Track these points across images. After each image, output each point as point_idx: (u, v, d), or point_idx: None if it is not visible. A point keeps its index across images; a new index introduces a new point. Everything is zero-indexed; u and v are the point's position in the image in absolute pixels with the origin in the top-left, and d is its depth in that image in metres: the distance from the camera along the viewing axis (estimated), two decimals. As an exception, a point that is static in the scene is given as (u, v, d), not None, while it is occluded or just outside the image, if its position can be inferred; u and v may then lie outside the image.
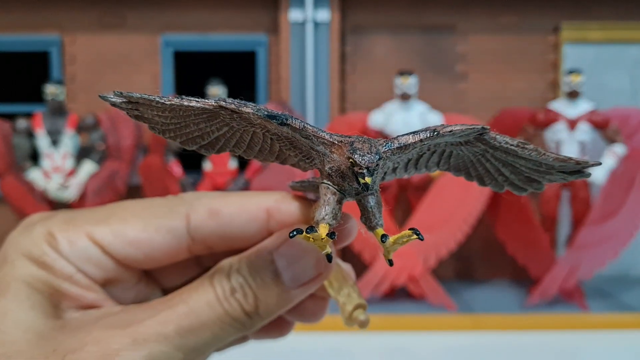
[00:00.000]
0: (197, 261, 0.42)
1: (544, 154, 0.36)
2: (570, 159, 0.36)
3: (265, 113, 0.34)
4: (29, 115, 1.92)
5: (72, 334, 0.33)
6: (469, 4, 2.11)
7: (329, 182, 0.36)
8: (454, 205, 1.82)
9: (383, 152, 0.34)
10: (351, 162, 0.34)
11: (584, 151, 1.89)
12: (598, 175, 1.83)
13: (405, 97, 1.87)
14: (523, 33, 2.12)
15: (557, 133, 1.88)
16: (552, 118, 1.88)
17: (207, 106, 0.34)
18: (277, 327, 0.44)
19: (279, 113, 0.34)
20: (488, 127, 0.36)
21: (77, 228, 0.37)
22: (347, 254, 2.04)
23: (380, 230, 0.36)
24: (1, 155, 1.87)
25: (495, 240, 2.02)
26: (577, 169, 0.36)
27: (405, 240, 0.35)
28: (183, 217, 0.38)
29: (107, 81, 2.10)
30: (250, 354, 1.66)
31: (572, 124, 1.87)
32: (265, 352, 1.71)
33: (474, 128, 0.36)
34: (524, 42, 2.13)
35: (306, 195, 0.43)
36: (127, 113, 0.36)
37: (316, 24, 2.05)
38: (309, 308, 0.44)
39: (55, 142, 1.88)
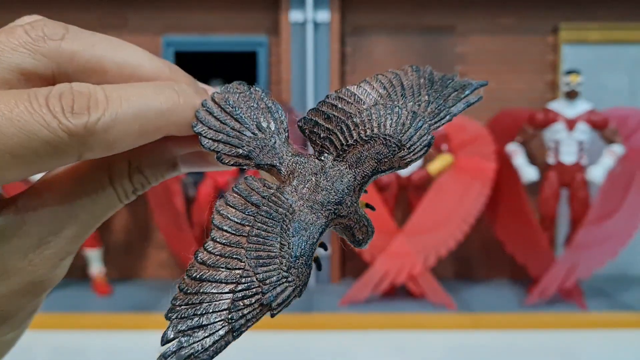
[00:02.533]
0: None
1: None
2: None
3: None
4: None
5: None
6: (469, 5, 2.12)
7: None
8: (453, 205, 1.83)
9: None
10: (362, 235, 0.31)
11: (583, 151, 1.90)
12: (597, 175, 1.84)
13: (405, 98, 1.87)
14: (522, 34, 2.13)
15: (556, 133, 1.89)
16: (551, 118, 1.89)
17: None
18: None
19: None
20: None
21: None
22: (347, 254, 2.05)
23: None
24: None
25: (494, 239, 2.03)
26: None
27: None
28: (74, 156, 0.28)
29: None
30: (251, 354, 1.67)
31: (571, 124, 1.88)
32: (265, 351, 1.72)
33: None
34: (523, 43, 2.14)
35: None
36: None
37: (316, 25, 2.06)
38: None
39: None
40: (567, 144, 1.89)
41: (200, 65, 2.14)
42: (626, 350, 1.67)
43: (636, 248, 2.03)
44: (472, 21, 2.14)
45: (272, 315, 0.25)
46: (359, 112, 0.32)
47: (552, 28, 2.13)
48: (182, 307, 0.26)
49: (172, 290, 0.27)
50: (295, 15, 2.05)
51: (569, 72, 1.90)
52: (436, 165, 1.88)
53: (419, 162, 1.99)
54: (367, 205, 0.32)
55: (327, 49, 2.06)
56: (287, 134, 0.32)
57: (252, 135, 0.31)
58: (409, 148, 0.30)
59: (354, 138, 0.31)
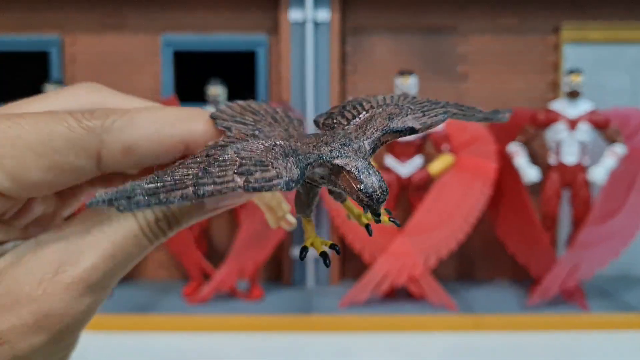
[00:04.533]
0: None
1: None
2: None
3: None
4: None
5: None
6: (470, 5, 2.12)
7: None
8: (454, 205, 1.82)
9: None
10: (370, 196, 0.28)
11: (585, 151, 1.89)
12: (599, 175, 1.83)
13: (405, 97, 1.87)
14: (523, 34, 2.12)
15: (558, 133, 1.88)
16: (552, 118, 1.88)
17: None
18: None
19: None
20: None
21: None
22: (347, 254, 2.04)
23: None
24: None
25: (495, 240, 2.02)
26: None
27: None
28: (93, 154, 0.31)
29: (107, 81, 2.06)
30: (250, 355, 1.66)
31: (573, 124, 1.87)
32: (264, 353, 1.71)
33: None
34: (524, 43, 2.13)
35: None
36: None
37: (316, 24, 2.05)
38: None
39: (55, 142, 1.88)
40: (568, 144, 1.88)
41: (199, 64, 2.13)
42: (628, 352, 1.66)
43: (638, 248, 2.02)
44: (473, 21, 2.13)
45: (246, 189, 0.24)
46: (371, 101, 0.33)
47: (553, 28, 2.12)
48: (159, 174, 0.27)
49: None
50: (295, 15, 2.04)
51: (571, 72, 1.89)
52: (437, 165, 1.87)
53: (419, 163, 1.98)
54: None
55: (327, 49, 2.05)
56: (302, 127, 0.33)
57: (269, 122, 0.32)
58: (425, 113, 0.31)
59: (366, 109, 0.32)
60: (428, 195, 1.85)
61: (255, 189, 0.24)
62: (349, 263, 2.11)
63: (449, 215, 1.82)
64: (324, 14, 2.04)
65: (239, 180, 0.24)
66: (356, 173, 0.28)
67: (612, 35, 2.10)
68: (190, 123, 0.33)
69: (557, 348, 1.68)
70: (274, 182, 0.24)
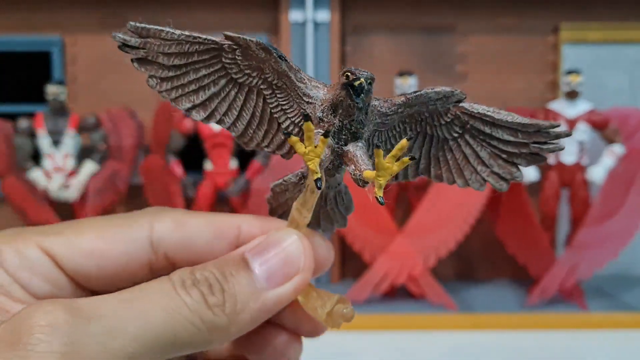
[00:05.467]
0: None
1: (518, 117, 0.39)
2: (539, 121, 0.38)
3: (266, 43, 0.37)
4: (30, 116, 1.93)
5: None
6: (469, 5, 2.12)
7: (319, 129, 0.36)
8: (454, 205, 1.83)
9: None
10: (346, 75, 0.35)
11: (583, 151, 1.90)
12: (597, 175, 1.84)
13: (405, 97, 1.87)
14: (522, 34, 2.13)
15: (557, 133, 1.88)
16: (551, 118, 1.89)
17: (214, 38, 0.36)
18: (269, 344, 0.40)
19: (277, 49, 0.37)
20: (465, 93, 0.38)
21: (27, 239, 0.33)
22: (348, 254, 2.04)
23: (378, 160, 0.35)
24: (2, 155, 1.88)
25: (495, 239, 2.02)
26: (546, 130, 0.38)
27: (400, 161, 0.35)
28: (146, 227, 0.34)
29: (108, 81, 2.10)
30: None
31: (571, 124, 1.87)
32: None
33: (453, 89, 0.38)
34: (524, 43, 2.13)
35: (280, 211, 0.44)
36: (133, 58, 0.39)
37: (316, 25, 2.05)
38: (304, 320, 0.40)
39: (56, 142, 1.89)
40: (567, 144, 1.88)
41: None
42: (627, 351, 1.66)
43: (637, 248, 2.02)
44: (473, 21, 2.13)
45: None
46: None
47: (552, 28, 2.12)
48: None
49: None
50: (295, 15, 2.04)
51: (570, 72, 1.89)
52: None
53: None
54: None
55: (328, 49, 2.06)
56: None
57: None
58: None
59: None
60: (427, 195, 1.85)
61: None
62: (349, 262, 2.12)
63: (449, 215, 1.82)
64: (324, 14, 2.04)
65: None
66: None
67: (612, 36, 2.10)
68: (242, 215, 0.38)
69: (556, 347, 1.68)
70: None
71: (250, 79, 0.38)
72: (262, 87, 0.38)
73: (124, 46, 0.38)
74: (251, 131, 0.39)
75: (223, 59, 0.38)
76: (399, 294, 1.91)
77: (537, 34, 2.13)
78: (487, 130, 0.39)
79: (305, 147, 0.34)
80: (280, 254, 0.34)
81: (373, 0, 2.12)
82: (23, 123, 1.90)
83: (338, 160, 0.37)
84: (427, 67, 2.13)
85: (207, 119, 0.39)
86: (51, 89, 1.88)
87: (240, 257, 0.34)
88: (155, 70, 0.38)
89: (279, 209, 0.45)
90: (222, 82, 0.38)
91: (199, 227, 0.36)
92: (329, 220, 0.44)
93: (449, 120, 0.39)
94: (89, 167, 1.90)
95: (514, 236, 1.96)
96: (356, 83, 0.34)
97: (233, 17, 2.14)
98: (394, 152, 0.34)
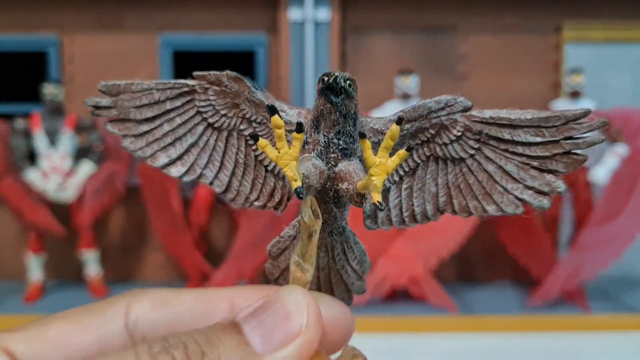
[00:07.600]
0: None
1: (536, 112, 0.32)
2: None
3: (237, 74, 0.34)
4: (26, 116, 1.91)
5: None
6: (470, 4, 2.10)
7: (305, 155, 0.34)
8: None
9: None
10: (322, 80, 0.32)
11: (586, 151, 1.88)
12: (600, 176, 1.82)
13: (406, 97, 1.86)
14: (524, 33, 2.11)
15: (559, 133, 1.87)
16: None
17: (183, 81, 0.34)
18: None
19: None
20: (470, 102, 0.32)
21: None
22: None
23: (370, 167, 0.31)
24: (-1, 156, 1.86)
25: (496, 241, 2.01)
26: (576, 120, 0.33)
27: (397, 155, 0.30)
28: (121, 311, 0.32)
29: (105, 81, 2.08)
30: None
31: (574, 124, 1.86)
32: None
33: (454, 96, 0.33)
34: (526, 42, 2.12)
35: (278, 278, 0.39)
36: (106, 121, 0.36)
37: (316, 24, 2.03)
38: None
39: (53, 142, 1.87)
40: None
41: (198, 64, 2.11)
42: (630, 353, 1.65)
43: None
44: (474, 20, 2.11)
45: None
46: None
47: (554, 27, 2.11)
48: None
49: None
50: (294, 14, 2.03)
51: (572, 72, 1.88)
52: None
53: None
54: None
55: (327, 48, 2.04)
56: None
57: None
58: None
59: None
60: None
61: None
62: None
63: (449, 218, 1.80)
64: (323, 14, 2.03)
65: None
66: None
67: (614, 35, 2.09)
68: (235, 287, 0.35)
69: (558, 349, 1.67)
70: None
71: (228, 120, 0.35)
72: (241, 127, 0.35)
73: (96, 109, 0.35)
74: (237, 183, 0.35)
75: (197, 103, 0.35)
76: (400, 296, 1.89)
77: (539, 34, 2.12)
78: (507, 136, 0.32)
79: (278, 150, 0.29)
80: (279, 311, 0.29)
81: (373, 0, 2.10)
82: (19, 123, 1.87)
83: (333, 189, 0.33)
84: (428, 67, 2.11)
85: (187, 174, 0.35)
86: (48, 89, 1.86)
87: (229, 321, 0.29)
88: (128, 128, 0.35)
89: (281, 281, 0.39)
90: (199, 129, 0.35)
91: (186, 305, 0.33)
92: (342, 284, 0.39)
93: (459, 134, 0.33)
94: (86, 167, 1.88)
95: (516, 238, 1.95)
96: (331, 79, 0.31)
97: (232, 17, 2.12)
98: (384, 143, 0.30)
